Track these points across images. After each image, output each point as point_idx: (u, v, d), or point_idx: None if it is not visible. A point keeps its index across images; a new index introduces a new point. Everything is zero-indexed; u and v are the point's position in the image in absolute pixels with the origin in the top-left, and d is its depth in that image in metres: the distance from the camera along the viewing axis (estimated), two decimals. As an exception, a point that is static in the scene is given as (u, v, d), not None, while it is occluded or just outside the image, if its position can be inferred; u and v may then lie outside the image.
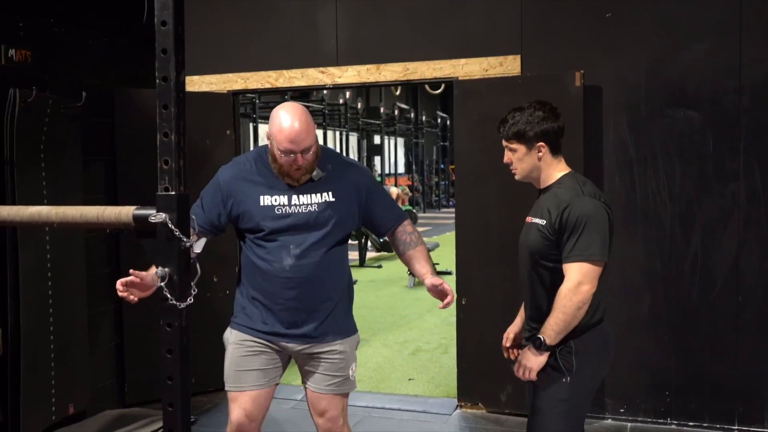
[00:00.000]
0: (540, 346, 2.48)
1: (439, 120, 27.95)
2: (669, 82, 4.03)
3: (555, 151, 2.62)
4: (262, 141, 16.82)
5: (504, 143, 2.65)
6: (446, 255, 11.25)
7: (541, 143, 2.58)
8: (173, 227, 1.86)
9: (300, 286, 2.66)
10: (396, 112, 23.66)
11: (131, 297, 2.44)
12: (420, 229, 17.17)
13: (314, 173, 2.69)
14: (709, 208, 4.01)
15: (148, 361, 4.56)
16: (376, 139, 24.22)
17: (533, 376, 2.52)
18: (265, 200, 2.67)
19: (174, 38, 1.94)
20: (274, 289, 2.68)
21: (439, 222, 20.10)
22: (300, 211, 2.66)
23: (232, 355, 2.76)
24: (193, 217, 2.73)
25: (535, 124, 2.57)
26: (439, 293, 2.68)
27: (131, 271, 2.44)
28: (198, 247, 2.00)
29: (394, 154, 25.62)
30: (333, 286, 2.76)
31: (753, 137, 3.91)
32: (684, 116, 4.01)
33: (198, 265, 2.09)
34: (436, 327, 7.02)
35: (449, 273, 10.33)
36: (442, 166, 28.42)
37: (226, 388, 2.80)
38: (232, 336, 2.79)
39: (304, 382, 2.85)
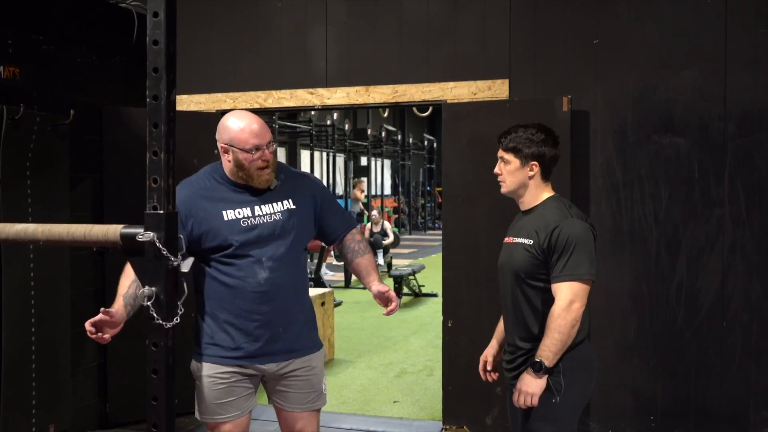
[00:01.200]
0: (540, 370, 2.49)
1: (426, 142, 28.05)
2: (656, 108, 4.07)
3: (545, 175, 2.69)
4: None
5: (500, 153, 2.71)
6: (432, 277, 11.25)
7: (534, 162, 2.65)
8: (161, 246, 1.86)
9: (276, 298, 2.63)
10: (383, 133, 23.75)
11: (104, 336, 2.38)
12: (406, 251, 17.18)
13: (272, 182, 2.70)
14: (695, 233, 4.03)
15: (131, 381, 4.52)
16: (363, 161, 24.27)
17: (536, 401, 2.52)
18: (229, 214, 2.62)
19: (165, 57, 1.95)
20: (248, 306, 2.61)
21: (426, 244, 20.10)
22: (265, 221, 2.64)
23: (208, 389, 2.66)
24: (182, 236, 2.72)
25: (534, 143, 2.64)
26: (385, 300, 2.74)
27: (101, 309, 2.39)
28: (186, 266, 1.99)
29: (381, 175, 25.66)
30: (304, 295, 2.78)
31: (738, 163, 3.95)
32: (670, 142, 4.05)
33: (185, 285, 2.08)
34: (422, 349, 7.00)
35: (434, 295, 10.33)
36: (428, 188, 28.50)
37: (202, 419, 2.71)
38: (203, 369, 2.67)
39: (275, 402, 2.80)
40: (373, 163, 24.61)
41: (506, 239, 2.76)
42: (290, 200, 2.71)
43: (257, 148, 2.58)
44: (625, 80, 4.13)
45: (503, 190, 2.74)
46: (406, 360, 6.58)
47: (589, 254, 2.54)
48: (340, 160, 22.25)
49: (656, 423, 4.12)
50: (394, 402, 5.28)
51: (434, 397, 5.25)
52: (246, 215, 2.63)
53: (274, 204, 2.68)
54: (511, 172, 2.69)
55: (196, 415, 2.73)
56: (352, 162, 22.97)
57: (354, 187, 17.16)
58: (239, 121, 2.61)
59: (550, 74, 4.26)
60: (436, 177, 28.83)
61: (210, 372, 2.66)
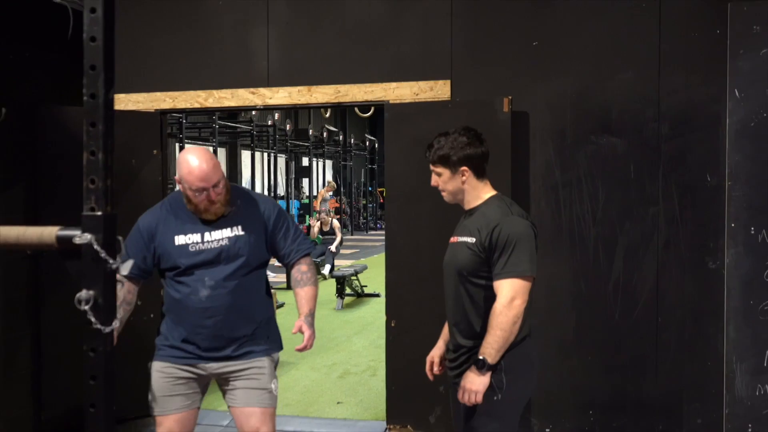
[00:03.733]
0: (483, 367, 2.52)
1: (367, 143, 28.10)
2: (593, 110, 4.16)
3: (479, 174, 2.72)
4: (189, 161, 16.49)
5: (431, 167, 2.73)
6: (374, 277, 11.27)
7: (464, 167, 2.68)
8: (99, 249, 1.81)
9: (217, 314, 2.85)
10: (325, 134, 23.69)
11: None
12: (348, 251, 17.16)
13: (225, 211, 2.91)
14: (631, 231, 4.14)
15: (67, 389, 4.39)
16: (305, 161, 24.17)
17: (480, 398, 2.55)
18: (180, 240, 2.89)
19: (103, 54, 1.90)
20: (194, 320, 2.86)
21: (368, 244, 20.13)
22: (212, 246, 2.87)
23: (156, 382, 2.93)
24: (120, 238, 2.72)
25: (458, 149, 2.66)
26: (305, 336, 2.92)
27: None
28: (125, 269, 1.94)
29: (323, 176, 25.60)
30: (251, 311, 2.94)
31: (672, 163, 4.06)
32: (607, 142, 4.15)
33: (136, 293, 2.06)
34: (365, 349, 7.00)
35: (377, 295, 10.36)
36: (370, 188, 28.54)
37: (152, 413, 2.94)
38: (155, 365, 2.96)
39: (229, 402, 2.98)
40: (314, 163, 24.53)
41: (452, 239, 2.78)
42: (239, 227, 2.91)
43: (203, 190, 2.78)
44: (563, 82, 4.21)
45: (446, 199, 2.80)
46: (350, 361, 6.57)
47: (530, 252, 2.58)
48: (282, 160, 22.11)
49: (595, 417, 4.21)
50: (338, 403, 5.27)
51: (378, 397, 5.26)
52: (195, 241, 2.88)
53: (224, 230, 2.89)
54: (445, 181, 2.74)
55: (150, 406, 2.97)
56: (293, 162, 22.85)
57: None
58: (190, 162, 2.79)
59: (491, 75, 4.32)
60: (377, 177, 28.90)
61: (160, 367, 2.93)
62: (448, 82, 4.35)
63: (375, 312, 9.06)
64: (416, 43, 4.43)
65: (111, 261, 1.84)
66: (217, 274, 2.86)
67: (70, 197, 4.32)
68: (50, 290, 4.39)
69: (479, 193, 2.72)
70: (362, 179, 28.31)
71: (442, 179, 2.73)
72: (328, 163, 26.77)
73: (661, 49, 4.06)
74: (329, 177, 26.76)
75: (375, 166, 29.01)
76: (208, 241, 2.87)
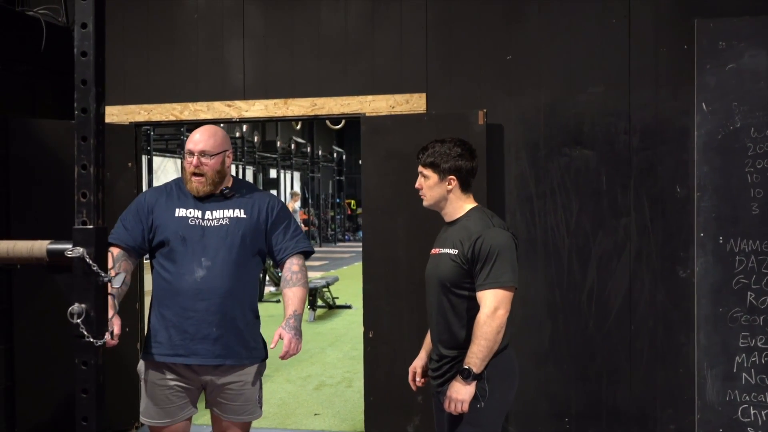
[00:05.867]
0: (468, 376, 2.56)
1: (335, 154, 28.12)
2: (566, 122, 4.25)
3: (465, 187, 2.78)
4: (158, 173, 16.39)
5: (419, 168, 2.78)
6: (345, 289, 11.28)
7: (452, 176, 2.73)
8: (91, 262, 1.81)
9: (210, 298, 2.77)
10: (292, 146, 23.66)
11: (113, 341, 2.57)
12: (316, 263, 17.12)
13: (227, 191, 2.90)
14: (604, 241, 4.22)
15: (42, 406, 4.33)
16: (273, 173, 24.09)
17: (466, 407, 2.59)
18: (180, 212, 2.86)
19: (94, 69, 1.92)
20: (185, 303, 2.77)
21: (337, 256, 20.11)
22: (212, 224, 2.83)
23: (150, 390, 2.86)
24: (120, 247, 2.79)
25: (450, 158, 2.71)
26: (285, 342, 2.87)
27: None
28: (117, 281, 1.95)
29: (290, 187, 25.52)
30: (243, 302, 2.87)
31: (642, 175, 4.16)
32: (580, 155, 4.23)
33: (116, 302, 2.05)
34: (339, 361, 7.00)
35: (349, 307, 10.35)
36: (338, 200, 28.53)
37: (142, 421, 2.90)
38: (146, 369, 2.88)
39: (213, 412, 2.95)
40: (282, 175, 24.46)
41: (433, 250, 2.82)
42: (242, 210, 2.89)
43: (190, 153, 2.83)
44: (536, 95, 4.29)
45: (425, 203, 2.82)
46: (324, 372, 6.57)
47: (512, 262, 2.63)
48: (249, 172, 22.02)
49: (570, 425, 4.27)
50: (315, 414, 5.27)
51: (354, 408, 5.27)
52: (196, 215, 2.85)
53: (225, 210, 2.87)
54: (430, 186, 2.77)
55: (140, 415, 2.94)
56: (261, 174, 22.78)
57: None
58: (195, 131, 2.90)
59: (466, 88, 4.39)
60: (345, 189, 28.92)
61: (151, 371, 2.86)
62: (424, 95, 4.41)
63: (347, 324, 9.06)
64: (392, 57, 4.48)
65: (103, 274, 1.86)
66: (214, 254, 2.79)
67: (43, 211, 4.30)
68: (23, 304, 4.33)
69: (462, 204, 2.77)
70: (330, 191, 28.30)
71: (427, 183, 2.77)
72: (296, 174, 26.72)
73: (631, 64, 4.16)
74: (297, 188, 26.72)
75: (343, 178, 29.03)
76: (208, 219, 2.84)
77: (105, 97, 1.92)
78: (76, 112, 1.86)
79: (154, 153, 14.66)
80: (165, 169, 18.11)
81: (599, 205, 4.22)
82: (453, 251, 2.68)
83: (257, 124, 19.65)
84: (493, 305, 2.56)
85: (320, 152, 26.64)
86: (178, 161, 18.71)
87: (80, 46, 1.89)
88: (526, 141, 4.31)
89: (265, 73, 4.65)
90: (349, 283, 11.86)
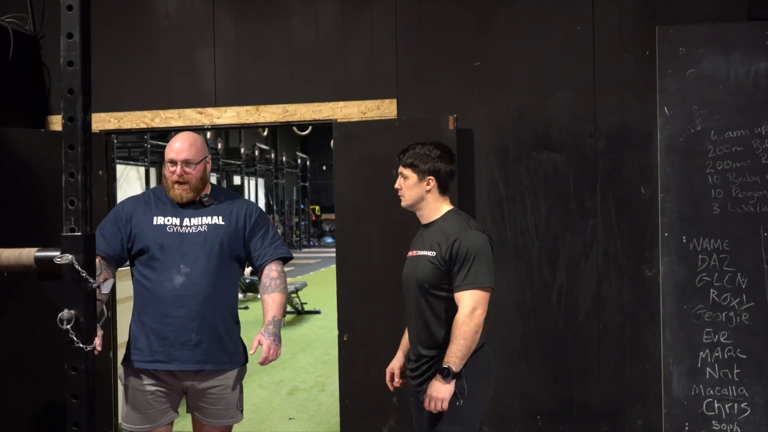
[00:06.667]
0: (448, 375, 2.62)
1: (299, 160, 28.08)
2: (534, 127, 4.35)
3: (443, 189, 2.85)
4: (120, 181, 16.21)
5: (399, 169, 2.86)
6: (314, 295, 11.28)
7: (431, 177, 2.81)
8: (80, 268, 1.83)
9: (190, 304, 2.81)
10: (256, 152, 23.56)
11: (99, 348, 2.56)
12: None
13: (205, 199, 2.93)
14: (572, 242, 4.33)
15: (18, 416, 4.29)
16: (236, 180, 23.97)
17: (446, 405, 2.65)
18: (158, 220, 2.90)
19: (81, 78, 1.95)
20: (165, 309, 2.81)
21: (303, 262, 20.08)
22: (190, 231, 2.88)
23: (131, 396, 2.87)
24: (99, 256, 2.80)
25: (430, 159, 2.79)
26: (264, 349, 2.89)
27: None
28: (106, 287, 1.97)
29: (255, 194, 25.41)
30: (223, 308, 2.89)
31: (608, 178, 4.28)
32: (548, 158, 4.34)
33: (105, 307, 2.07)
34: (311, 366, 7.03)
35: (318, 312, 10.37)
36: (302, 206, 28.49)
37: (125, 428, 2.92)
38: (127, 375, 2.91)
39: (194, 416, 2.97)
40: (246, 182, 24.35)
41: (410, 253, 2.89)
42: (220, 217, 2.92)
43: (172, 163, 2.87)
44: (505, 100, 4.39)
45: (403, 203, 2.89)
46: (297, 377, 6.59)
47: (488, 263, 2.71)
48: (214, 179, 21.86)
49: (542, 423, 4.36)
50: (290, 419, 5.30)
51: (329, 411, 5.31)
52: (174, 223, 2.89)
53: (204, 218, 2.92)
54: (409, 186, 2.84)
55: (122, 421, 2.98)
56: (225, 181, 22.65)
57: None
58: (173, 139, 2.93)
59: (436, 94, 4.47)
60: (309, 195, 28.88)
61: (132, 377, 2.88)
62: (395, 101, 4.48)
63: (317, 329, 9.08)
64: (363, 64, 4.54)
65: (92, 281, 1.88)
66: (193, 261, 2.83)
67: (14, 220, 4.26)
68: (-6, 315, 4.28)
69: (439, 205, 2.85)
70: (294, 197, 28.24)
71: (407, 183, 2.84)
72: (260, 181, 26.62)
73: (597, 70, 4.28)
74: (261, 195, 26.61)
75: (307, 184, 29.00)
76: (186, 226, 2.88)
77: (91, 106, 1.95)
78: (63, 121, 1.89)
79: (117, 161, 14.50)
80: (127, 178, 17.92)
81: (567, 208, 4.33)
82: (431, 253, 2.75)
83: (221, 131, 19.55)
84: (471, 305, 2.64)
85: (284, 158, 26.60)
86: (141, 169, 18.52)
87: (66, 56, 1.92)
88: (495, 145, 4.40)
89: (236, 80, 4.68)
90: (317, 289, 11.87)
